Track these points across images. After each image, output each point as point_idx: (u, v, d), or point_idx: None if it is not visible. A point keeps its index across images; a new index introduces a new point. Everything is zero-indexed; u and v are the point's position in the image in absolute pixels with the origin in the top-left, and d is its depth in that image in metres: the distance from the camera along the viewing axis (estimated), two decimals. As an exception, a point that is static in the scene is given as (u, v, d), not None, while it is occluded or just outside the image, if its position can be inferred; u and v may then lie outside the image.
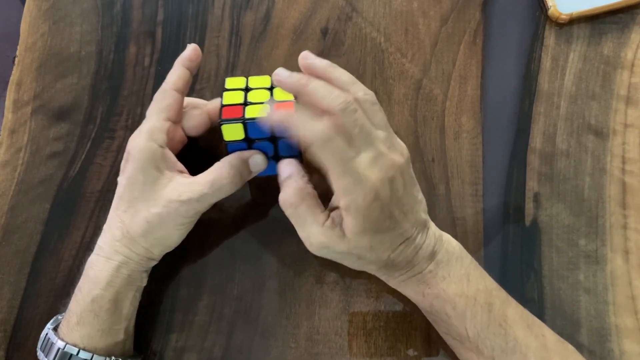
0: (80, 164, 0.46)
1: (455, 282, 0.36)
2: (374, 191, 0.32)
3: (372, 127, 0.34)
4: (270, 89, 0.39)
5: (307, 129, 0.32)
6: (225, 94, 0.38)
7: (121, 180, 0.38)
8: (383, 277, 0.38)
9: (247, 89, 0.39)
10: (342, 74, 0.36)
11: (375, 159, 0.33)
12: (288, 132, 0.33)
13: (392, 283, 0.38)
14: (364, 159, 0.33)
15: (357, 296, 0.42)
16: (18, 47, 0.49)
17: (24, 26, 0.50)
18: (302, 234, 0.36)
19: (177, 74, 0.40)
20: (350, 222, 0.33)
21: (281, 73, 0.35)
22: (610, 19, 0.47)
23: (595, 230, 0.42)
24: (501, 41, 0.47)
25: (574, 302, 0.41)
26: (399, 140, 0.36)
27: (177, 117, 0.40)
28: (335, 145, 0.32)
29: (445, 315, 0.36)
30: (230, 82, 0.39)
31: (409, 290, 0.38)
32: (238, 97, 0.38)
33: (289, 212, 0.36)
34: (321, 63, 0.36)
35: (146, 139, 0.37)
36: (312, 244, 0.35)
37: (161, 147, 0.38)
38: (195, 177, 0.38)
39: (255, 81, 0.39)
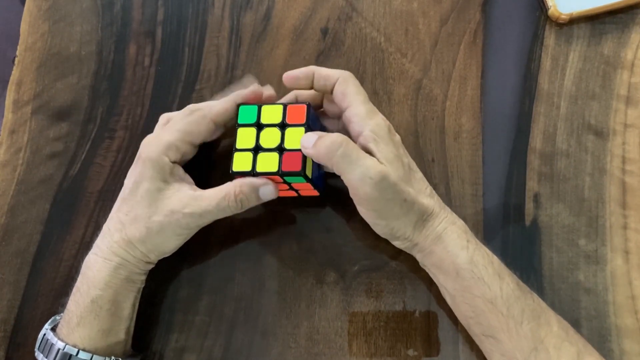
0: (80, 164, 0.46)
1: (482, 244, 0.38)
2: (388, 123, 0.38)
3: None
4: (282, 126, 0.38)
5: (334, 70, 0.39)
6: (238, 137, 0.38)
7: (127, 183, 0.39)
8: (423, 235, 0.37)
9: (259, 125, 0.38)
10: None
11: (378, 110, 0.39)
12: (315, 74, 0.39)
13: (431, 240, 0.37)
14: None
15: (357, 296, 0.42)
16: (18, 47, 0.49)
17: (24, 26, 0.50)
18: (356, 172, 0.35)
19: (226, 107, 0.39)
20: (382, 148, 0.36)
21: (289, 72, 0.40)
22: (610, 19, 0.47)
23: (595, 230, 0.42)
24: (501, 41, 0.47)
25: (574, 302, 0.41)
26: None
27: (201, 142, 0.40)
28: (356, 81, 0.39)
29: (485, 269, 0.36)
30: (244, 112, 0.39)
31: (450, 242, 0.37)
32: (251, 140, 0.38)
33: (341, 151, 0.35)
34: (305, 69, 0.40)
35: (161, 151, 0.38)
36: (372, 176, 0.34)
37: (172, 162, 0.38)
38: (203, 191, 0.38)
39: (267, 112, 0.38)
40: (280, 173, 0.37)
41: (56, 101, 0.48)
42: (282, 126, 0.38)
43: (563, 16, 0.46)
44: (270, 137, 0.37)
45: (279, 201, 0.44)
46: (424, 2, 0.48)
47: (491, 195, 0.44)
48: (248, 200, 0.38)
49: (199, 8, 0.49)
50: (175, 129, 0.39)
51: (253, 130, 0.38)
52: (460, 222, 0.38)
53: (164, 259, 0.42)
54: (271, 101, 0.41)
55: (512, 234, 0.43)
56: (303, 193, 0.41)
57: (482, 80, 0.46)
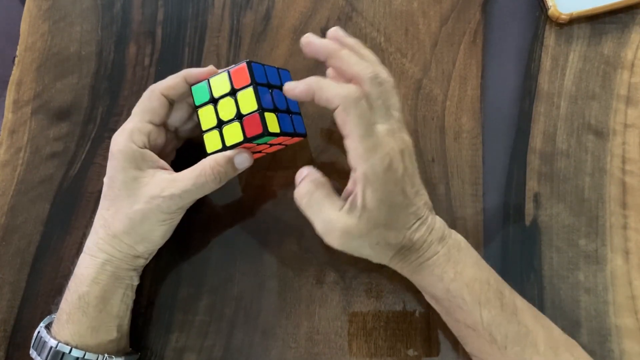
0: (80, 164, 0.46)
1: (469, 267, 0.36)
2: (389, 158, 0.34)
3: (390, 105, 0.36)
4: (233, 92, 0.38)
5: (336, 91, 0.34)
6: (201, 117, 0.38)
7: (105, 180, 0.39)
8: (398, 265, 0.38)
9: (214, 100, 0.38)
10: (370, 53, 0.38)
11: (389, 131, 0.35)
12: (315, 97, 0.35)
13: (408, 270, 0.37)
14: (380, 129, 0.34)
15: (357, 296, 0.42)
16: (18, 47, 0.49)
17: (24, 26, 0.50)
18: (320, 224, 0.35)
19: (174, 82, 0.39)
20: (369, 194, 0.34)
21: (312, 38, 0.37)
22: (610, 19, 0.47)
23: (595, 230, 0.42)
24: (501, 41, 0.47)
25: (574, 302, 0.41)
26: (406, 130, 0.38)
27: (161, 120, 0.40)
28: (362, 107, 0.34)
29: (462, 299, 0.35)
30: (197, 92, 0.39)
31: (426, 276, 0.37)
32: (212, 117, 0.38)
33: (304, 201, 0.36)
34: (352, 40, 0.38)
35: (126, 139, 0.38)
36: (332, 231, 0.35)
37: (141, 147, 0.38)
38: (178, 173, 0.38)
39: (216, 84, 0.38)
40: (247, 140, 0.36)
41: (56, 101, 0.48)
42: (233, 93, 0.38)
43: (563, 16, 0.46)
44: (227, 109, 0.37)
45: (279, 200, 0.44)
46: (424, 2, 0.48)
47: (491, 195, 0.44)
48: (225, 173, 0.37)
49: (199, 8, 0.49)
50: (133, 113, 0.39)
51: (211, 107, 0.38)
52: (442, 252, 0.36)
53: (164, 258, 0.42)
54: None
55: (512, 234, 0.43)
56: (287, 142, 0.41)
57: (482, 80, 0.46)
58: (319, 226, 0.35)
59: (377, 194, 0.34)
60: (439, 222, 0.37)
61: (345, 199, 0.35)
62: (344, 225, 0.34)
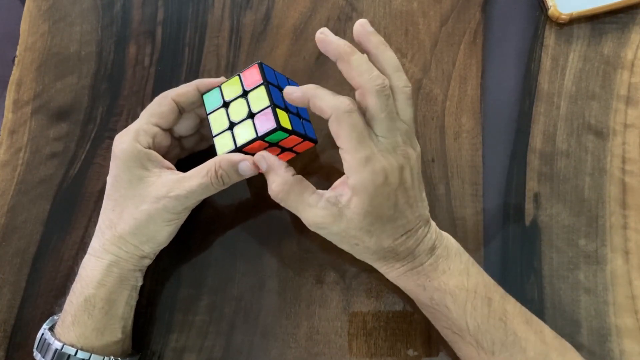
0: (80, 164, 0.46)
1: (456, 276, 0.36)
2: (384, 174, 0.33)
3: (397, 117, 0.35)
4: (245, 94, 0.38)
5: (329, 101, 0.34)
6: (212, 124, 0.38)
7: (108, 179, 0.39)
8: (382, 269, 0.38)
9: (226, 104, 0.38)
10: (391, 57, 0.36)
11: (390, 145, 0.34)
12: (310, 104, 0.34)
13: (392, 275, 0.38)
14: (382, 142, 0.34)
15: (357, 296, 0.42)
16: (18, 47, 0.49)
17: (24, 26, 0.50)
18: (299, 216, 0.36)
19: (186, 89, 0.40)
20: (355, 202, 0.34)
21: (328, 34, 0.34)
22: (610, 19, 0.47)
23: (595, 230, 0.42)
24: (501, 41, 0.47)
25: (574, 302, 0.41)
26: (416, 140, 0.37)
27: (168, 125, 0.40)
28: (354, 118, 0.33)
29: (446, 308, 0.36)
30: (208, 99, 0.39)
31: (409, 283, 0.37)
32: (223, 121, 0.38)
33: (281, 203, 0.36)
34: (377, 38, 0.36)
35: (131, 139, 0.38)
36: (310, 225, 0.36)
37: (145, 148, 0.38)
38: (184, 173, 0.38)
39: (228, 89, 0.39)
40: (259, 137, 0.36)
41: (56, 101, 0.48)
42: (245, 94, 0.38)
43: (563, 16, 0.46)
44: (238, 110, 0.38)
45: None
46: (424, 2, 0.48)
47: (491, 195, 0.44)
48: (229, 177, 0.37)
49: (199, 8, 0.49)
50: (141, 115, 0.40)
51: (222, 111, 0.38)
52: (428, 262, 0.36)
53: (164, 259, 0.42)
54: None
55: (512, 234, 0.43)
56: (299, 149, 0.41)
57: (482, 80, 0.46)
58: (300, 216, 0.36)
59: (364, 205, 0.34)
60: (430, 233, 0.37)
61: (330, 194, 0.36)
62: (320, 222, 0.35)
